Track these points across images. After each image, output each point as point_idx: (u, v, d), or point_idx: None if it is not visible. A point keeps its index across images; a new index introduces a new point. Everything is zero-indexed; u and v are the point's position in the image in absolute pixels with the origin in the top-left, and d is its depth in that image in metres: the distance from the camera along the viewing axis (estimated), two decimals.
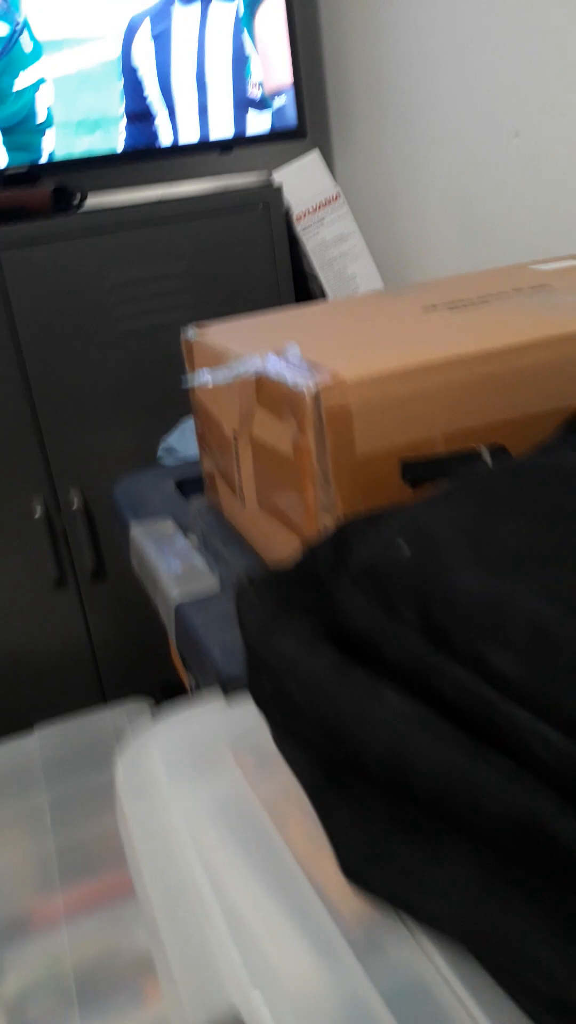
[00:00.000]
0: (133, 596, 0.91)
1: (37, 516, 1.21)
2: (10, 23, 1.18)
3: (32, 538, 1.23)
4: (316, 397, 0.58)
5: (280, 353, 0.66)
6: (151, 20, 1.24)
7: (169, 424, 1.19)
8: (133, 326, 1.19)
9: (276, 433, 0.64)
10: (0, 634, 1.26)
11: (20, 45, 1.19)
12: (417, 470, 0.59)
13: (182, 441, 1.10)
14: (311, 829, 0.36)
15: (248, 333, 0.79)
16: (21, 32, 1.19)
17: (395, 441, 0.60)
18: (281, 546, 0.68)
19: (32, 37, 1.19)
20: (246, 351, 0.70)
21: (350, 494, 0.61)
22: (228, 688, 0.48)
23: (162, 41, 1.25)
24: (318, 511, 0.60)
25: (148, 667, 1.08)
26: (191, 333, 0.82)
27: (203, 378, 0.66)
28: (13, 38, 1.19)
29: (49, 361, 1.17)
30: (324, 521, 0.61)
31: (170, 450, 1.12)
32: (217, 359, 0.74)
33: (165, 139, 1.29)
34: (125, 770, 0.43)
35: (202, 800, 0.38)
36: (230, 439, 0.74)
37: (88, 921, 0.90)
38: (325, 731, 0.35)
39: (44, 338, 1.16)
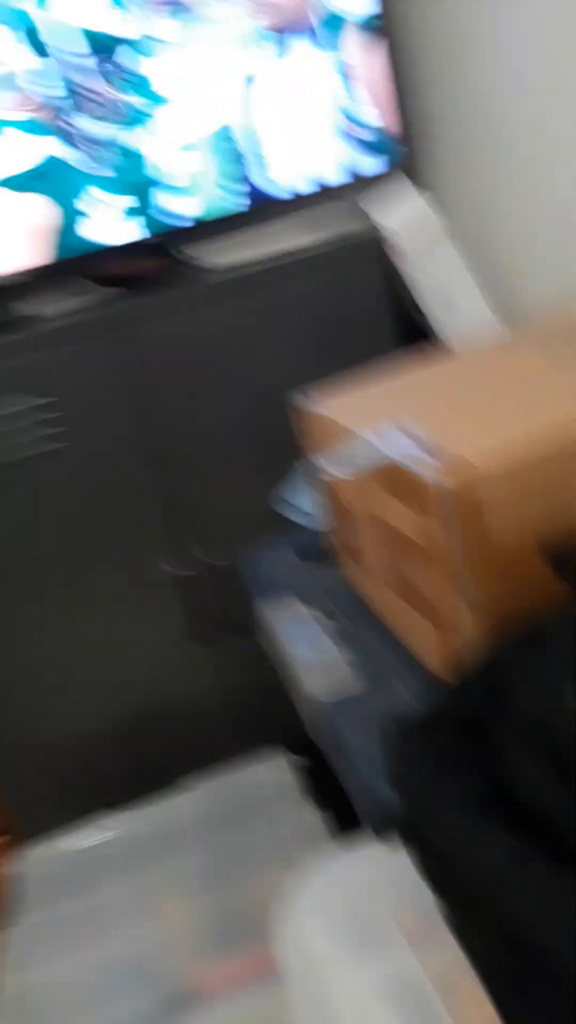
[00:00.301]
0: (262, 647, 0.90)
1: (166, 571, 1.23)
2: (142, 93, 1.19)
3: (162, 594, 1.24)
4: (444, 489, 0.55)
5: (401, 431, 0.63)
6: (252, 79, 1.23)
7: (284, 474, 1.18)
8: (247, 382, 1.19)
9: (401, 517, 0.61)
10: (136, 689, 1.28)
11: (144, 112, 1.19)
12: (560, 556, 0.55)
13: (296, 493, 1.08)
14: (487, 1013, 0.34)
15: (362, 403, 0.76)
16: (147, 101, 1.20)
17: (533, 524, 0.57)
18: (415, 629, 0.66)
19: (152, 95, 1.19)
20: (361, 427, 0.68)
21: (487, 581, 0.57)
22: (379, 828, 0.46)
23: (264, 97, 1.24)
24: (454, 600, 0.57)
25: (282, 713, 1.07)
26: (304, 403, 0.80)
27: (327, 468, 0.64)
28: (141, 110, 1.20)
29: (167, 422, 1.18)
30: (461, 611, 0.58)
31: (286, 502, 1.11)
32: (332, 433, 0.72)
33: (273, 192, 1.27)
34: (286, 939, 0.41)
35: (368, 979, 0.36)
36: (355, 516, 0.72)
37: (249, 995, 0.89)
38: (507, 931, 0.32)
39: (162, 399, 1.17)
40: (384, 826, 0.47)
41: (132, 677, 1.27)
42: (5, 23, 1.14)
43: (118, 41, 1.18)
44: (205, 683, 1.30)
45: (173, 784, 1.26)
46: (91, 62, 1.17)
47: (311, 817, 1.13)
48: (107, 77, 1.18)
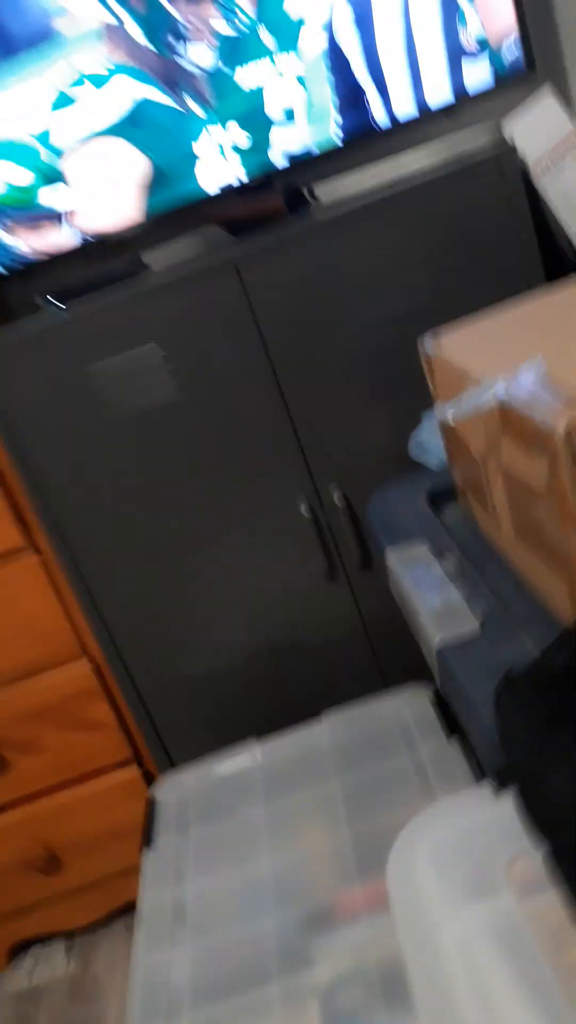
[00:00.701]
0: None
1: (303, 513, 1.25)
2: (232, 24, 1.18)
3: (301, 535, 1.27)
4: (569, 436, 0.53)
5: (525, 374, 0.61)
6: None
7: (419, 410, 1.16)
8: (376, 316, 1.17)
9: (527, 466, 0.60)
10: (280, 627, 1.32)
11: (247, 42, 1.19)
12: None
13: (431, 435, 1.07)
14: None
15: (490, 342, 0.74)
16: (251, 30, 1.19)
17: None
18: (542, 580, 0.64)
19: (257, 36, 1.18)
20: (487, 371, 0.66)
21: None
22: (495, 772, 0.46)
23: (364, 17, 1.19)
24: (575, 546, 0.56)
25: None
26: (429, 347, 0.79)
27: (444, 414, 0.63)
28: (240, 37, 1.19)
29: (298, 363, 1.18)
30: None
31: (420, 444, 1.10)
32: (457, 380, 0.71)
33: (382, 117, 1.23)
34: (396, 876, 0.42)
35: (476, 923, 0.37)
36: (479, 461, 0.70)
37: (387, 916, 0.93)
38: None
39: (291, 341, 1.17)
40: (498, 771, 0.48)
41: (275, 613, 1.31)
42: None
43: None
44: (346, 619, 1.33)
45: (315, 716, 1.30)
46: None
47: (451, 749, 1.14)
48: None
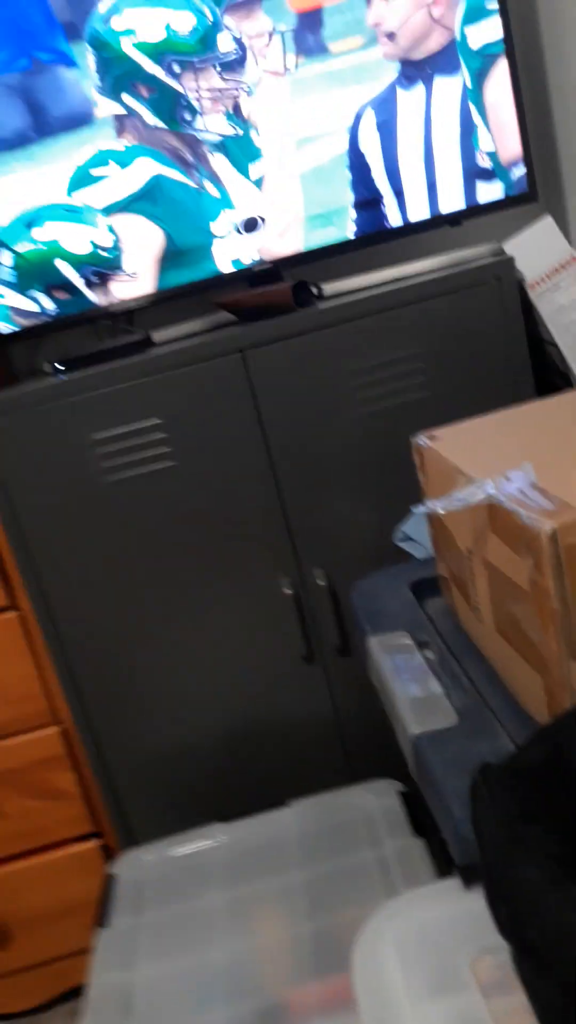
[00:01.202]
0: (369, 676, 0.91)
1: (286, 594, 1.26)
2: (240, 126, 1.25)
3: (282, 614, 1.27)
4: (553, 537, 0.55)
5: (514, 477, 0.63)
6: (375, 108, 1.26)
7: (408, 499, 1.19)
8: (372, 409, 1.21)
9: (512, 564, 0.62)
10: (254, 707, 1.31)
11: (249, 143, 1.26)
12: None
13: (417, 528, 1.09)
14: None
15: (482, 443, 0.77)
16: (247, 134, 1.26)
17: None
18: (520, 678, 0.65)
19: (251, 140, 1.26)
20: (477, 471, 0.68)
21: None
22: (464, 867, 0.46)
23: (387, 126, 1.27)
24: (561, 655, 0.57)
25: (395, 745, 1.07)
26: (423, 441, 0.82)
27: (434, 507, 0.65)
28: (242, 139, 1.26)
29: (293, 447, 1.21)
30: (567, 667, 0.57)
31: (406, 537, 1.12)
32: (448, 475, 0.73)
33: (394, 220, 1.30)
34: (361, 965, 0.42)
35: (440, 1019, 0.37)
36: (464, 555, 0.72)
37: (343, 1016, 0.90)
38: (572, 985, 0.32)
39: (288, 425, 1.20)
40: (468, 865, 0.48)
41: (247, 693, 1.31)
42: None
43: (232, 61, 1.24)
44: (319, 705, 1.32)
45: (281, 802, 1.28)
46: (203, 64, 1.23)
47: (416, 846, 1.12)
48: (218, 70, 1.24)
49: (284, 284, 1.24)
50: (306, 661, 1.30)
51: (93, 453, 1.19)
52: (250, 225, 1.25)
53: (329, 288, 1.33)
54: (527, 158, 1.28)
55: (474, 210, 1.31)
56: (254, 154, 1.28)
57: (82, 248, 1.29)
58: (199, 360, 1.18)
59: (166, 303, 1.35)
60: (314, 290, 1.30)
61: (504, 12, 1.23)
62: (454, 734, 0.62)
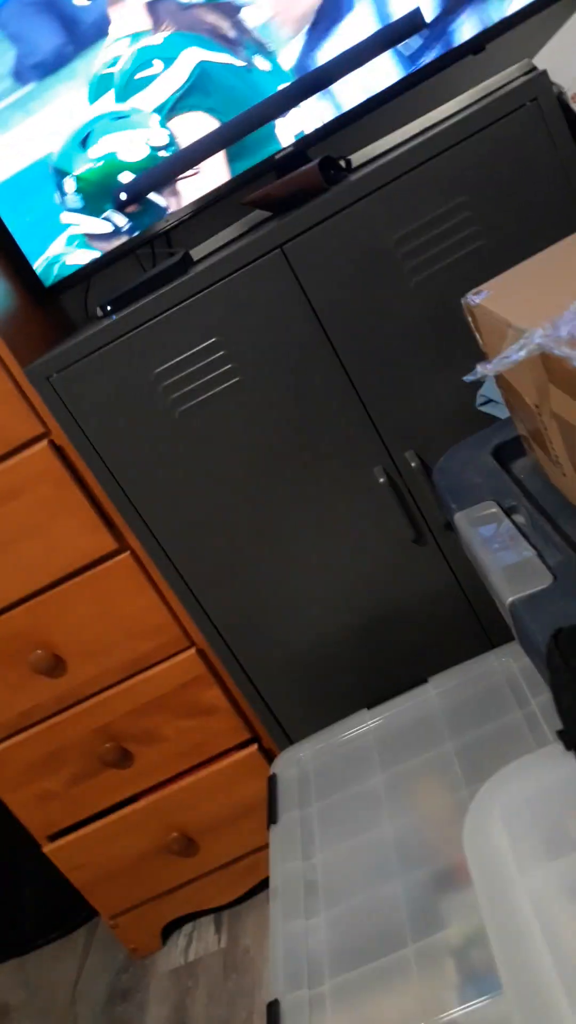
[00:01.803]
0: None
1: (382, 482, 1.25)
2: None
3: (382, 504, 1.27)
4: None
5: (563, 320, 0.60)
6: None
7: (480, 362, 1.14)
8: (426, 275, 1.15)
9: (567, 407, 0.59)
10: (375, 596, 1.33)
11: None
12: None
13: (494, 388, 1.05)
14: None
15: (531, 289, 0.72)
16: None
17: None
18: None
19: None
20: (528, 319, 0.64)
21: None
22: (564, 738, 0.46)
23: None
24: None
25: None
26: (472, 298, 0.78)
27: (488, 368, 0.63)
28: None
29: (355, 333, 1.18)
30: None
31: (486, 400, 1.08)
32: (500, 331, 0.69)
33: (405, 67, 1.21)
34: (472, 837, 0.43)
35: (550, 881, 0.38)
36: (533, 410, 0.69)
37: None
38: None
39: (346, 313, 1.17)
40: (567, 730, 0.48)
41: (368, 583, 1.32)
42: None
43: None
44: (441, 581, 1.32)
45: (422, 680, 1.31)
46: None
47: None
48: None
49: (310, 164, 1.19)
50: (416, 543, 1.30)
51: (160, 386, 1.20)
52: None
53: (357, 158, 1.26)
54: None
55: (492, 31, 1.20)
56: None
57: (140, 154, 1.26)
58: (241, 266, 1.15)
59: (199, 221, 1.32)
60: (341, 163, 1.24)
61: None
62: (550, 594, 0.61)
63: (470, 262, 1.14)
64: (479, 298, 0.76)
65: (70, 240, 1.31)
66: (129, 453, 1.24)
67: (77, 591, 1.32)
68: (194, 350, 1.18)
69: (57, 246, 1.33)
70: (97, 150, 1.25)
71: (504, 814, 0.43)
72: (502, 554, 0.69)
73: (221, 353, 1.18)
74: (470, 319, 0.79)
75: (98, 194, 1.28)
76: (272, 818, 1.21)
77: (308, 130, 1.27)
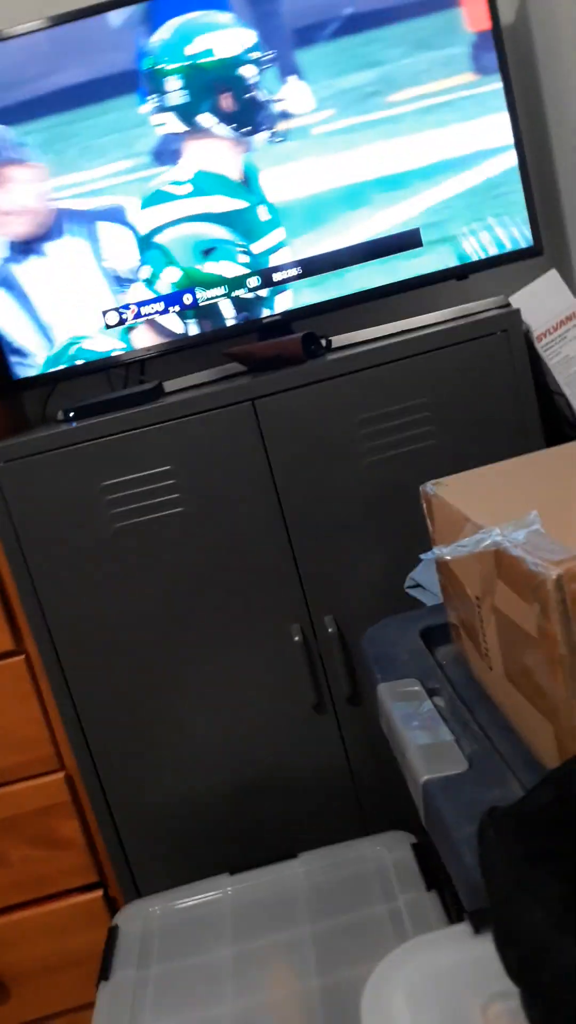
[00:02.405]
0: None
1: (296, 641, 1.26)
2: (248, 199, 1.30)
3: (292, 662, 1.28)
4: (559, 583, 0.56)
5: (521, 524, 0.65)
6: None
7: (418, 547, 1.20)
8: (380, 457, 1.23)
9: (520, 611, 0.63)
10: (263, 756, 1.31)
11: (257, 215, 1.30)
12: None
13: (427, 575, 1.10)
14: None
15: (490, 491, 0.78)
16: (258, 204, 1.30)
17: None
18: (530, 724, 0.66)
19: (270, 207, 1.30)
20: (485, 519, 0.70)
21: None
22: (475, 913, 0.47)
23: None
24: (569, 701, 0.58)
25: (408, 796, 1.07)
26: (431, 489, 0.83)
27: (442, 553, 0.67)
28: (251, 210, 1.30)
29: (303, 496, 1.23)
30: (571, 704, 0.58)
31: (415, 584, 1.13)
32: (456, 523, 0.75)
33: (403, 273, 1.34)
34: (370, 1013, 0.42)
35: None
36: (473, 602, 0.73)
37: None
38: None
39: (298, 474, 1.22)
40: (478, 911, 0.48)
41: (257, 741, 1.31)
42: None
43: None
44: (331, 755, 1.32)
45: (291, 855, 1.28)
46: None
47: (428, 899, 1.11)
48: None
49: (294, 336, 1.28)
50: (316, 710, 1.31)
51: (103, 499, 1.21)
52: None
53: (337, 340, 1.36)
54: (531, 213, 1.32)
55: (479, 264, 1.35)
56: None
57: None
58: (210, 408, 1.20)
59: (176, 353, 1.38)
60: (323, 342, 1.33)
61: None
62: (464, 780, 0.63)
63: (422, 456, 1.23)
64: (438, 489, 0.82)
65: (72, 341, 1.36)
66: (55, 557, 1.23)
67: None
68: (145, 473, 1.21)
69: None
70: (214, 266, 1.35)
71: (405, 990, 0.43)
72: (420, 733, 0.70)
73: (171, 482, 1.21)
74: (425, 506, 0.84)
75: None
76: (104, 974, 1.12)
77: (296, 305, 1.36)
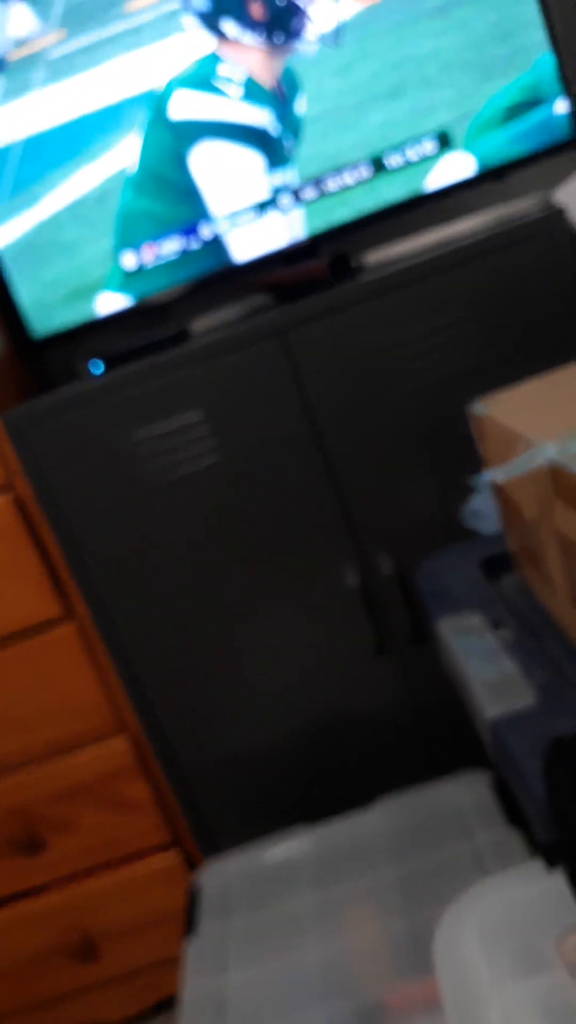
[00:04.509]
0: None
1: (350, 584, 1.26)
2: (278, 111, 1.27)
3: (347, 607, 1.28)
4: None
5: (568, 435, 0.63)
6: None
7: (471, 475, 1.18)
8: (425, 381, 1.20)
9: (572, 524, 0.61)
10: (328, 705, 1.32)
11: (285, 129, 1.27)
12: None
13: (485, 501, 1.09)
14: None
15: (541, 405, 0.76)
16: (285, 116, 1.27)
17: None
18: None
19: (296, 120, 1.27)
20: (539, 433, 0.68)
21: None
22: (548, 848, 0.47)
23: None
24: None
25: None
26: (479, 408, 0.82)
27: (494, 476, 0.65)
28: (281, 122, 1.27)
29: (345, 429, 1.22)
30: None
31: (476, 513, 1.11)
32: (508, 442, 0.73)
33: (433, 181, 1.29)
34: (443, 951, 0.43)
35: (525, 999, 0.38)
36: (532, 527, 0.72)
37: (440, 1018, 0.91)
38: None
39: (337, 406, 1.21)
40: (550, 845, 0.48)
41: (321, 691, 1.32)
42: None
43: None
44: (397, 697, 1.33)
45: (365, 801, 1.29)
46: None
47: (511, 836, 1.12)
48: None
49: (320, 260, 1.25)
50: (378, 651, 1.31)
51: (138, 453, 1.21)
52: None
53: (370, 258, 1.33)
54: (572, 103, 1.26)
55: (516, 163, 1.30)
56: None
57: None
58: (239, 347, 1.19)
59: (201, 296, 1.37)
60: (352, 263, 1.30)
61: None
62: (532, 714, 0.62)
63: (468, 376, 1.19)
64: (487, 408, 0.80)
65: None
66: (95, 516, 1.24)
67: (13, 656, 1.29)
68: (180, 423, 1.20)
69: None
70: None
71: (477, 930, 0.43)
72: (485, 668, 0.70)
73: (206, 430, 1.21)
74: (475, 428, 0.83)
75: None
76: (189, 928, 1.16)
77: (321, 227, 1.33)
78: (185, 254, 1.34)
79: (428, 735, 1.35)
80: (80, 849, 1.37)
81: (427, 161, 1.29)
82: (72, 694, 1.31)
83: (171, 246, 1.34)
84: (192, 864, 1.39)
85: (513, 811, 1.15)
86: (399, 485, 1.24)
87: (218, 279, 1.36)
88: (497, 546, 0.89)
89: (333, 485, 1.24)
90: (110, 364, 1.27)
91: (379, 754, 1.35)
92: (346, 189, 1.30)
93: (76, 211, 1.32)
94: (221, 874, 1.25)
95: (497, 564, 0.87)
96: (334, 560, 1.27)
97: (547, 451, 0.64)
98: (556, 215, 1.16)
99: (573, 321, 1.19)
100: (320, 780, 1.36)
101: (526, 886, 0.44)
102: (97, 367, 1.28)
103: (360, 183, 1.30)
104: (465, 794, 1.23)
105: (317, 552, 1.26)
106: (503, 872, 0.47)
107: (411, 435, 1.22)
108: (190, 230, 1.33)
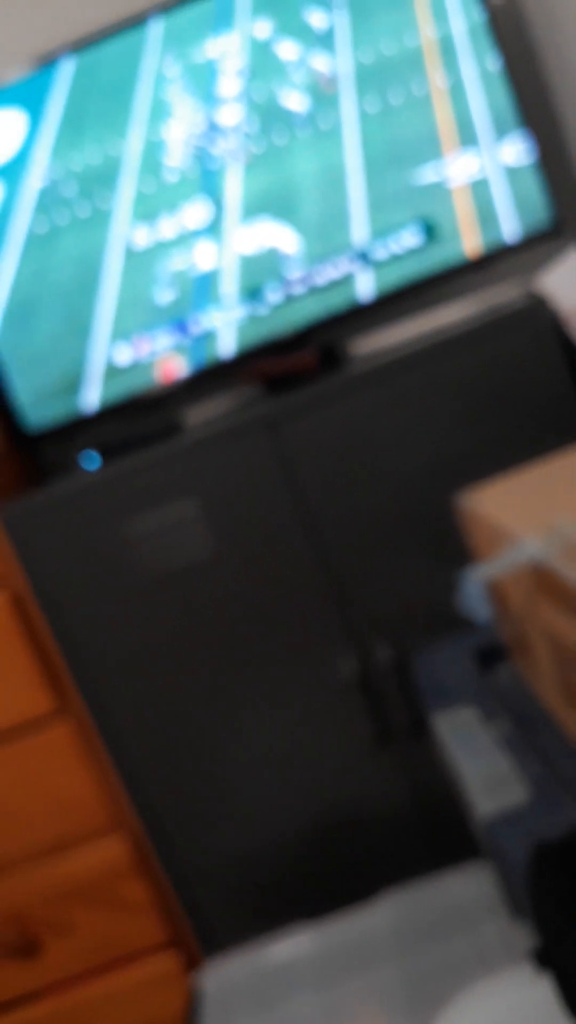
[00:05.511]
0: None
1: (347, 676, 1.27)
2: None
3: (345, 699, 1.29)
4: None
5: (557, 534, 0.66)
6: None
7: (464, 563, 1.20)
8: (416, 468, 1.23)
9: (566, 628, 0.64)
10: (327, 800, 1.32)
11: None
12: None
13: (477, 591, 1.11)
14: None
15: (526, 498, 0.79)
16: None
17: None
18: None
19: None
20: (522, 528, 0.71)
21: None
22: (538, 958, 0.48)
23: None
24: None
25: None
26: (465, 502, 0.85)
27: (481, 571, 0.68)
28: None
29: (338, 516, 1.24)
30: None
31: (469, 602, 1.13)
32: (493, 536, 0.76)
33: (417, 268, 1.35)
34: None
35: None
36: (520, 619, 0.74)
37: None
38: None
39: (329, 495, 1.24)
40: (536, 949, 0.50)
41: (321, 785, 1.32)
42: None
43: None
44: (397, 789, 1.32)
45: (368, 896, 1.28)
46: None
47: (515, 928, 1.11)
48: None
49: (308, 351, 1.30)
50: (378, 744, 1.31)
51: (134, 546, 1.24)
52: None
53: (356, 347, 1.38)
54: (550, 190, 1.33)
55: (497, 253, 1.36)
56: None
57: None
58: (232, 440, 1.23)
59: (193, 388, 1.41)
60: (340, 353, 1.35)
61: None
62: (526, 811, 0.64)
63: (460, 462, 1.23)
64: (473, 500, 0.83)
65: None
66: (90, 610, 1.26)
67: (8, 753, 1.30)
68: (170, 508, 1.23)
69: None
70: None
71: None
72: (478, 764, 0.72)
73: (197, 516, 1.23)
74: (462, 519, 0.86)
75: None
76: None
77: (308, 317, 1.38)
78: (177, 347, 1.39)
79: (431, 827, 1.34)
80: (78, 951, 1.35)
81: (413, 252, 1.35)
82: (69, 791, 1.31)
83: (163, 341, 1.40)
84: (192, 963, 1.37)
85: (518, 903, 1.14)
86: (393, 572, 1.26)
87: (210, 372, 1.41)
88: (492, 634, 0.91)
89: (327, 574, 1.26)
90: (105, 456, 1.30)
91: (381, 847, 1.34)
92: (333, 283, 1.36)
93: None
94: (222, 976, 1.23)
95: (491, 654, 0.89)
96: (331, 651, 1.28)
97: (530, 547, 0.66)
98: (539, 304, 1.21)
99: (558, 406, 1.23)
100: (323, 875, 1.35)
101: (518, 989, 0.45)
102: (92, 460, 1.31)
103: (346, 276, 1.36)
104: (470, 887, 1.22)
105: (314, 643, 1.28)
106: (497, 974, 0.48)
107: (403, 522, 1.25)
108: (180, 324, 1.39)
